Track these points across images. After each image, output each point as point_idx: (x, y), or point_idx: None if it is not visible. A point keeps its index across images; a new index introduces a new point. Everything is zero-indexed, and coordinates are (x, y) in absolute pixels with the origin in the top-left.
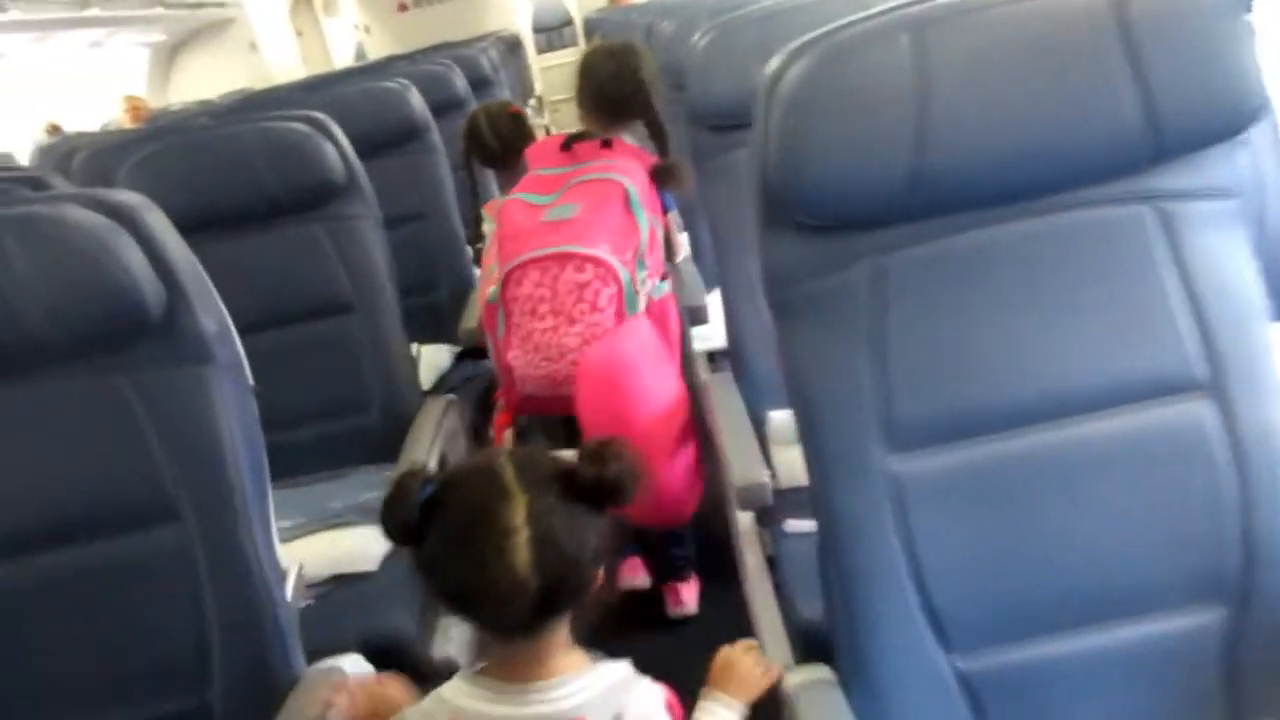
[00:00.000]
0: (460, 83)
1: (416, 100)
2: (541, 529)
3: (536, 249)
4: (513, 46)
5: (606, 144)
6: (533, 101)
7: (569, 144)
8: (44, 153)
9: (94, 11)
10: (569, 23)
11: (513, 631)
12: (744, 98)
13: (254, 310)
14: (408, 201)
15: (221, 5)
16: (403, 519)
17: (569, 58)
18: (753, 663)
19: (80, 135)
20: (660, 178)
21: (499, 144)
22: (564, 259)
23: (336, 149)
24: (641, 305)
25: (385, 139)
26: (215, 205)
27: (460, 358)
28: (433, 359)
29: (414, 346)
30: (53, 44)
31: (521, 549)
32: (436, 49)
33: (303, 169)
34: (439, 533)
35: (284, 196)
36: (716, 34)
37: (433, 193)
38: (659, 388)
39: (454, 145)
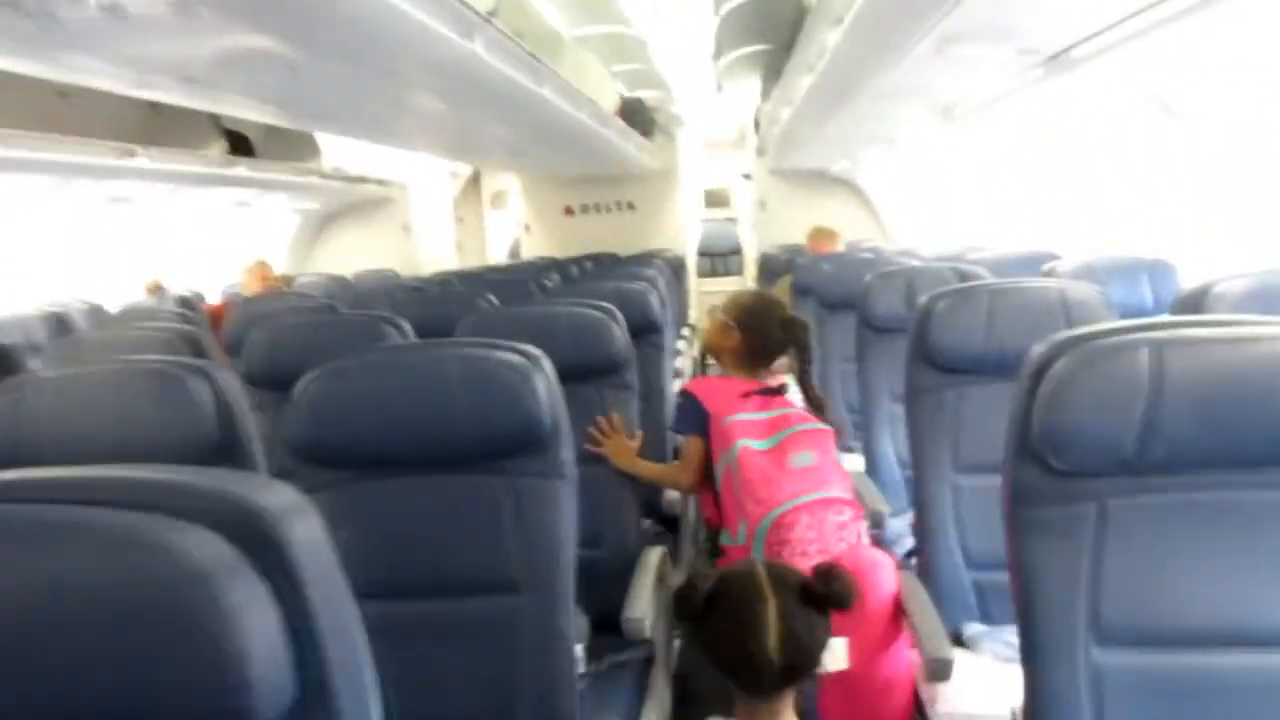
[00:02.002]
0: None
1: (621, 330)
2: (788, 625)
3: (801, 495)
4: (677, 269)
5: (780, 389)
6: (685, 331)
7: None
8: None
9: (240, 170)
10: (736, 251)
11: (760, 694)
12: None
13: (407, 571)
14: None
15: (383, 185)
16: (690, 607)
17: (729, 285)
18: None
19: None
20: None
21: None
22: (826, 503)
23: (547, 392)
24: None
25: (584, 370)
26: (396, 441)
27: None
28: None
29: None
30: (190, 196)
31: (774, 637)
32: (594, 258)
33: (507, 411)
34: (717, 622)
35: (475, 441)
36: (951, 299)
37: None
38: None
39: None
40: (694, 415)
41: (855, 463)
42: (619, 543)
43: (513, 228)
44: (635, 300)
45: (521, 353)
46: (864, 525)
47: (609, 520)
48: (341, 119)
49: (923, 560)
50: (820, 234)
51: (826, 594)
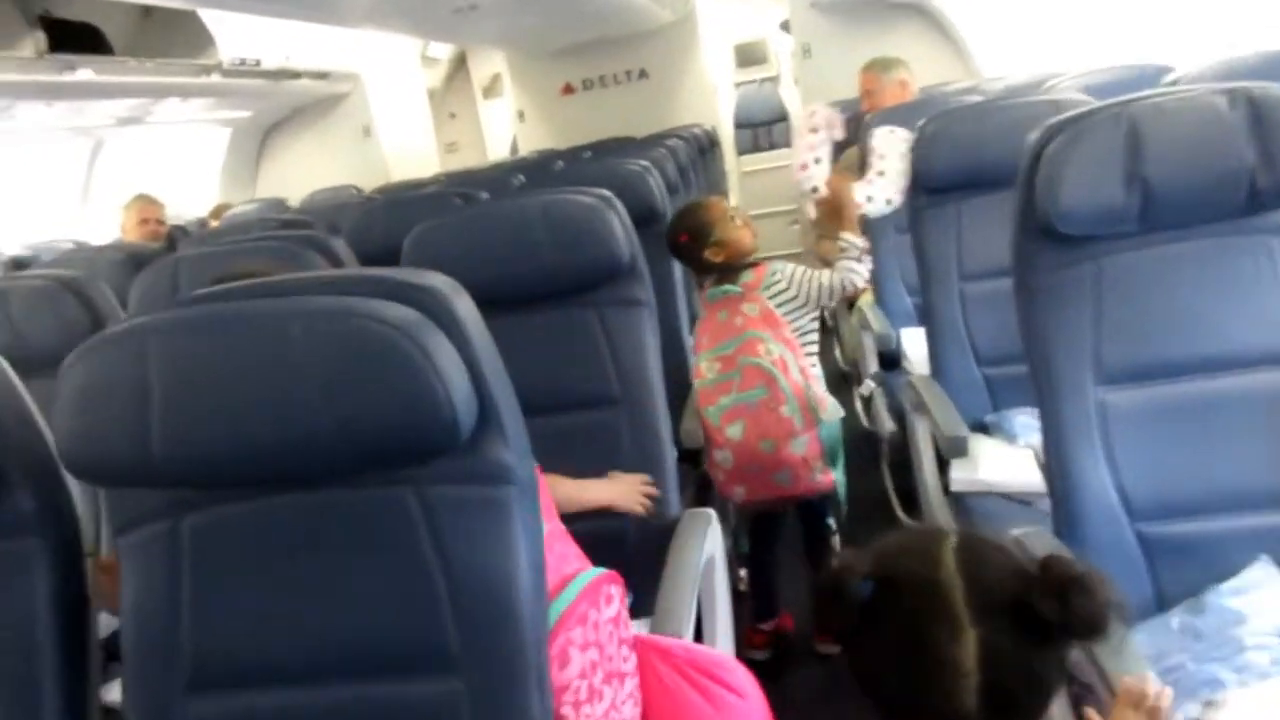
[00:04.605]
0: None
1: (622, 223)
2: (995, 674)
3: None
4: (705, 146)
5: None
6: None
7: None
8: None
9: (85, 74)
10: (782, 118)
11: None
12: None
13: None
14: None
15: (323, 77)
16: (840, 622)
17: (776, 162)
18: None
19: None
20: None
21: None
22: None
23: (623, 227)
24: None
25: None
26: (496, 283)
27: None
28: None
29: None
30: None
31: (970, 693)
32: (601, 146)
33: (589, 246)
34: (879, 647)
35: (564, 276)
36: (941, 121)
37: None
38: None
39: None
40: None
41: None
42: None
43: (512, 122)
44: (631, 184)
45: (596, 195)
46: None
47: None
48: None
49: (935, 364)
50: (881, 78)
51: (1065, 624)
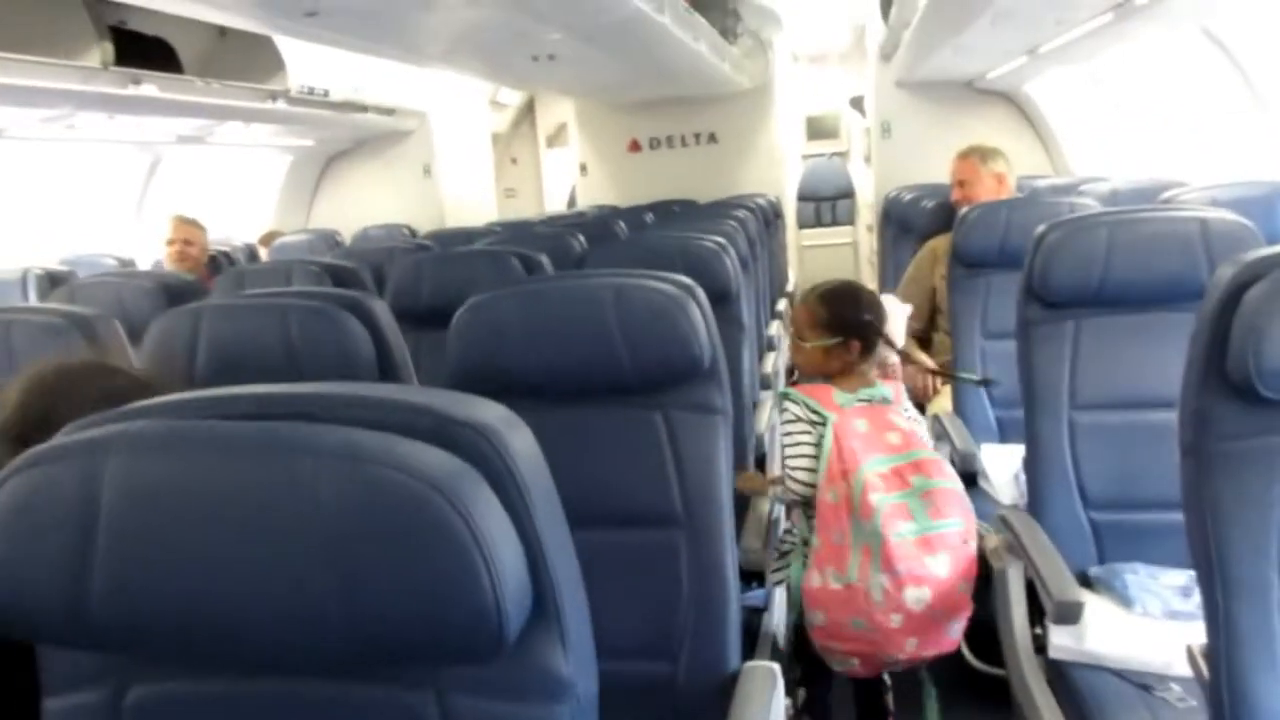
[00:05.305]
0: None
1: (702, 315)
2: None
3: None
4: (770, 218)
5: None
6: (782, 303)
7: None
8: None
9: (147, 89)
10: (848, 194)
11: None
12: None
13: (569, 501)
14: None
15: (391, 114)
16: None
17: (838, 238)
18: None
19: None
20: None
21: None
22: None
23: (705, 324)
24: None
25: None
26: (553, 372)
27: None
28: None
29: None
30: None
31: None
32: (663, 208)
33: (665, 341)
34: None
35: (632, 372)
36: (1065, 230)
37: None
38: None
39: None
40: None
41: None
42: None
43: (572, 173)
44: (705, 263)
45: (675, 283)
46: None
47: None
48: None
49: (1034, 500)
50: (980, 169)
51: None
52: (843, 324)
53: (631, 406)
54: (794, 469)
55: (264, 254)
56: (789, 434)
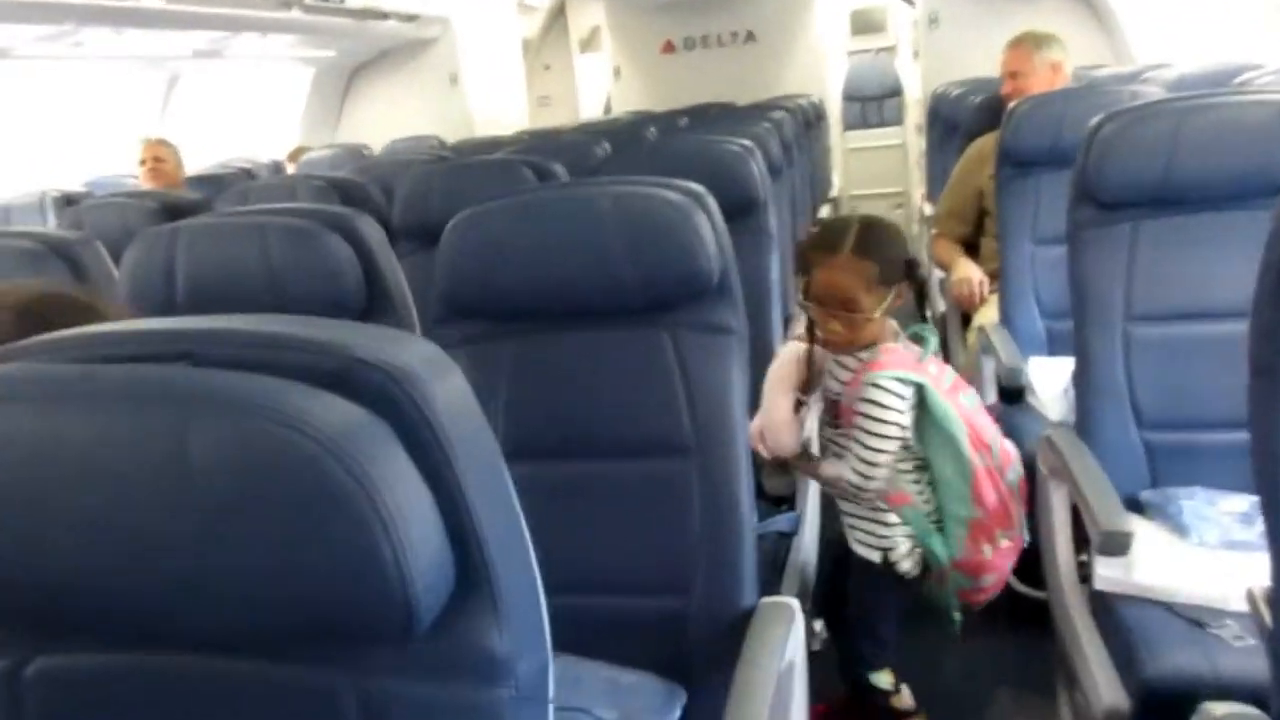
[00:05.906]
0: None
1: (713, 227)
2: None
3: None
4: (811, 120)
5: None
6: (825, 209)
7: None
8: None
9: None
10: (896, 93)
11: None
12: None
13: (568, 429)
14: None
15: (410, 20)
16: None
17: (885, 140)
18: None
19: None
20: None
21: None
22: None
23: (714, 235)
24: None
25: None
26: (548, 291)
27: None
28: None
29: None
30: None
31: None
32: (700, 112)
33: (670, 255)
34: None
35: (634, 289)
36: (1122, 121)
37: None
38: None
39: None
40: None
41: None
42: None
43: (607, 79)
44: (728, 168)
45: (682, 189)
46: None
47: None
48: None
49: (1083, 418)
50: (1033, 57)
51: None
52: (893, 271)
53: (636, 327)
54: (877, 462)
55: (290, 169)
56: (882, 422)
